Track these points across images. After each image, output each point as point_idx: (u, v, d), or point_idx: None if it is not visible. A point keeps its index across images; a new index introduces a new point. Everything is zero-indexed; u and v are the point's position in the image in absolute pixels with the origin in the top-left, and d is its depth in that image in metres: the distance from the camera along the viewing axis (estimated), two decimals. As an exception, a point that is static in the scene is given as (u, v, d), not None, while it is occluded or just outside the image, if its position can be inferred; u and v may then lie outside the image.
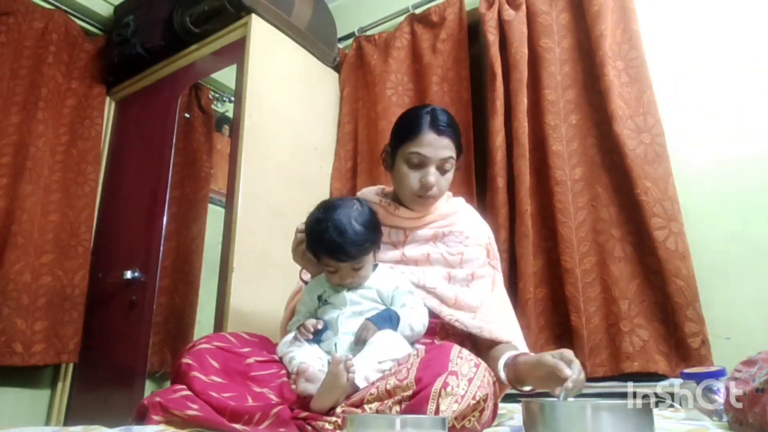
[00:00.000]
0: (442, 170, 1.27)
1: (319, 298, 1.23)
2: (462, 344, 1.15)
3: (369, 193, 1.41)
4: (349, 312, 1.16)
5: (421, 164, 1.25)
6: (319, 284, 1.26)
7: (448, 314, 1.23)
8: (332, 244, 1.13)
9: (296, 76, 2.25)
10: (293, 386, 0.99)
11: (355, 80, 2.42)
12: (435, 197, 1.29)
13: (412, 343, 1.15)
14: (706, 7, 1.78)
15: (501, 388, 1.10)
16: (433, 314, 1.23)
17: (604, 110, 1.74)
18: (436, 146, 1.24)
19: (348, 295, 1.18)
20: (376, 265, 1.25)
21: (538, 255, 1.79)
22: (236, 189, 1.88)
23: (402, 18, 2.35)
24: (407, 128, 1.28)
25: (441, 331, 1.26)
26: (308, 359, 1.06)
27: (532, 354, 1.13)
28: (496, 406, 0.99)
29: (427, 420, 0.67)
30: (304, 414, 0.96)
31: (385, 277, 1.22)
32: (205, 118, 2.45)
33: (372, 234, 1.18)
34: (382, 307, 1.17)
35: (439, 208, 1.36)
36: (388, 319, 1.11)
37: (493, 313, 1.26)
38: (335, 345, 1.12)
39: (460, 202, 1.43)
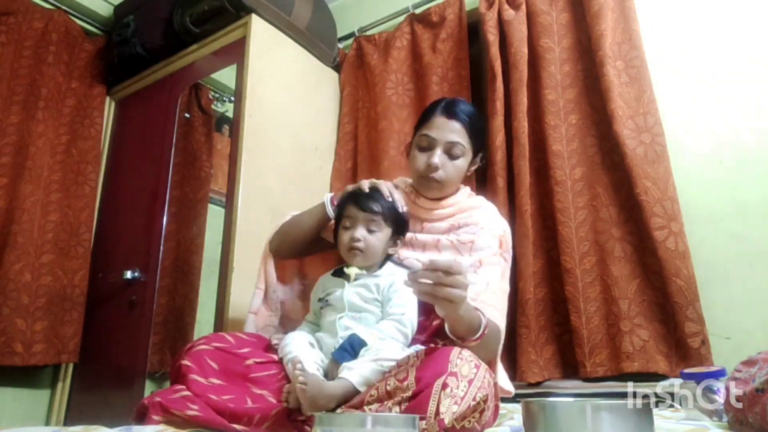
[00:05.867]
0: (450, 155, 1.28)
1: (320, 299, 1.24)
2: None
3: (400, 180, 1.42)
4: (348, 316, 1.16)
5: (429, 146, 1.28)
6: (321, 287, 1.27)
7: None
8: (360, 193, 1.23)
9: (296, 76, 2.25)
10: (285, 404, 0.99)
11: (355, 80, 2.42)
12: (440, 181, 1.28)
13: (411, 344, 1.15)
14: (706, 6, 1.78)
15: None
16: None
17: (604, 110, 1.74)
18: (444, 129, 1.27)
19: (347, 296, 1.17)
20: (387, 259, 1.25)
21: (538, 255, 1.79)
22: (236, 189, 1.88)
23: (402, 18, 2.34)
24: (423, 115, 1.34)
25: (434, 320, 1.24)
26: (306, 363, 1.05)
27: None
28: (497, 407, 0.99)
29: (398, 419, 0.67)
30: (303, 416, 0.96)
31: (387, 273, 1.22)
32: (205, 118, 2.45)
33: (395, 211, 1.23)
34: (379, 312, 1.16)
35: (458, 203, 1.34)
36: (346, 350, 1.07)
37: (496, 299, 1.21)
38: (334, 349, 1.12)
39: (481, 199, 1.41)
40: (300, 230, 1.33)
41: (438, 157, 1.26)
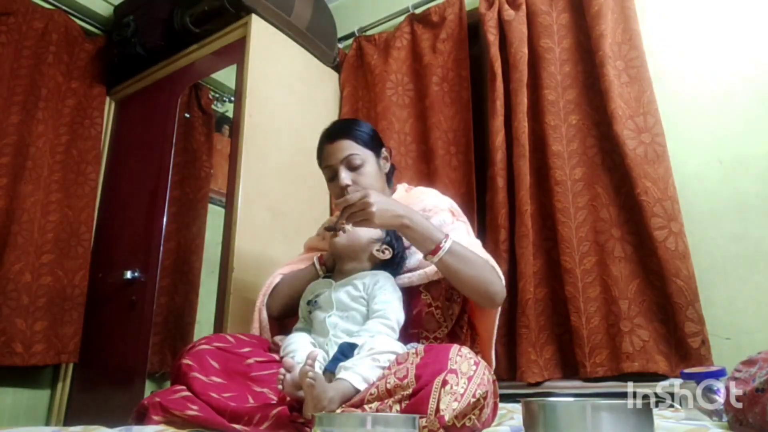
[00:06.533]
0: (353, 168, 1.33)
1: (309, 302, 1.26)
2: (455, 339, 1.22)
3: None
4: (336, 314, 1.18)
5: (333, 174, 1.35)
6: (309, 290, 1.29)
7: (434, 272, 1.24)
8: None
9: (296, 76, 2.25)
10: (280, 387, 0.99)
11: (355, 80, 2.42)
12: None
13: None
14: (706, 6, 1.78)
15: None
16: (422, 297, 1.25)
17: (604, 110, 1.74)
18: (334, 152, 1.35)
19: (336, 295, 1.19)
20: (373, 268, 1.26)
21: (538, 255, 1.79)
22: (236, 189, 1.88)
23: (402, 18, 2.35)
24: (316, 155, 1.41)
25: (428, 319, 1.27)
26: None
27: None
28: (496, 404, 0.99)
29: (398, 419, 0.67)
30: (303, 419, 0.96)
31: (371, 273, 1.23)
32: (205, 118, 2.45)
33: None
34: (365, 310, 1.17)
35: (401, 199, 1.39)
36: (339, 361, 1.07)
37: (476, 249, 1.26)
38: (328, 351, 1.13)
39: (419, 189, 1.47)
40: (297, 291, 1.35)
41: (344, 177, 1.32)
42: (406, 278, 1.27)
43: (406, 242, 1.32)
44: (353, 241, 1.25)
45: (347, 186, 1.31)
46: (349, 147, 1.34)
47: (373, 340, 1.06)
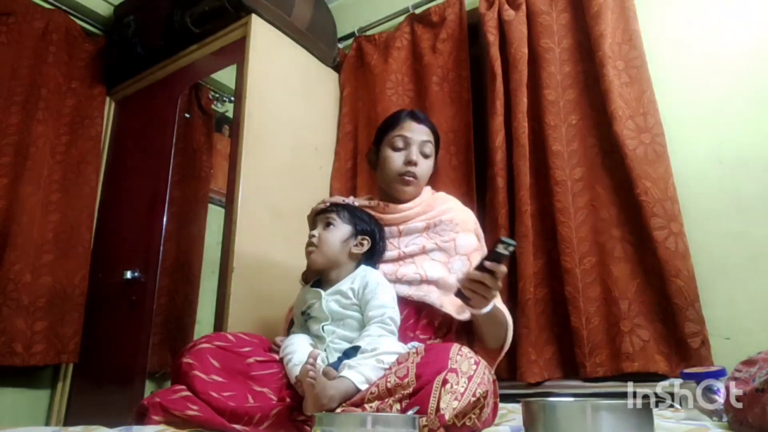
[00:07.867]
0: (423, 153, 1.39)
1: (303, 313, 1.26)
2: (458, 339, 1.24)
3: (358, 199, 1.48)
4: (331, 325, 1.18)
5: (404, 145, 1.39)
6: (301, 300, 1.29)
7: (449, 307, 1.27)
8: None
9: (296, 76, 2.25)
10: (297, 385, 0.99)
11: (355, 80, 2.42)
12: (417, 178, 1.38)
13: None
14: (706, 6, 1.78)
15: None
16: (431, 309, 1.26)
17: (604, 110, 1.74)
18: (416, 130, 1.40)
19: (327, 306, 1.19)
20: (358, 265, 1.26)
21: (538, 255, 1.79)
22: (236, 189, 1.88)
23: (402, 18, 2.35)
24: (389, 122, 1.44)
25: (439, 327, 1.28)
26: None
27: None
28: (496, 404, 0.99)
29: (398, 418, 0.67)
30: (303, 416, 0.97)
31: (360, 275, 1.23)
32: (205, 118, 2.45)
33: (356, 214, 1.31)
34: (360, 315, 1.17)
35: (425, 200, 1.43)
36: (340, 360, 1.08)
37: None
38: (326, 357, 1.13)
39: (443, 194, 1.50)
40: None
41: (415, 154, 1.37)
42: (404, 291, 1.27)
43: (393, 233, 1.35)
44: (327, 251, 1.24)
45: (414, 162, 1.36)
46: (429, 135, 1.42)
47: (377, 341, 1.06)
